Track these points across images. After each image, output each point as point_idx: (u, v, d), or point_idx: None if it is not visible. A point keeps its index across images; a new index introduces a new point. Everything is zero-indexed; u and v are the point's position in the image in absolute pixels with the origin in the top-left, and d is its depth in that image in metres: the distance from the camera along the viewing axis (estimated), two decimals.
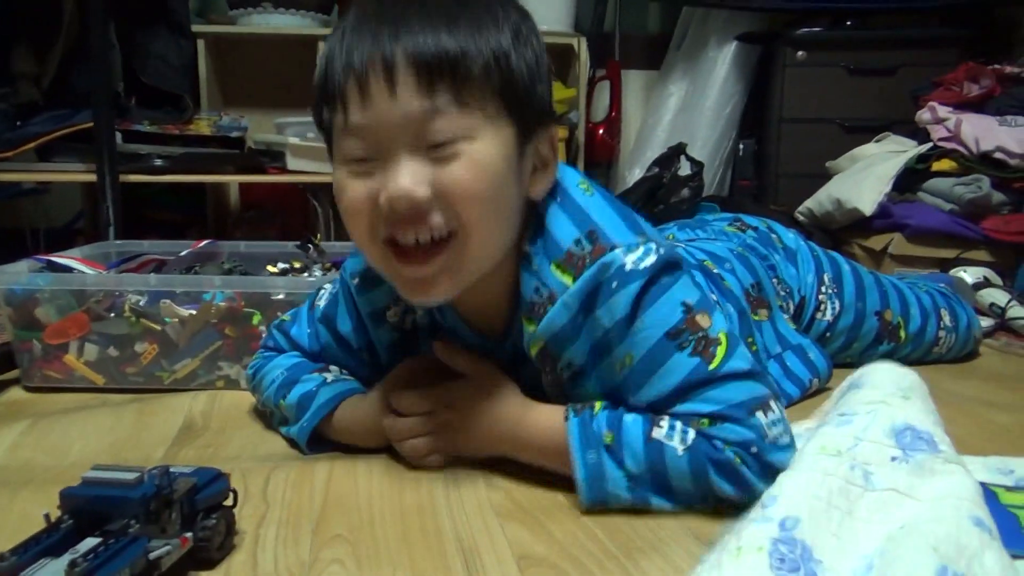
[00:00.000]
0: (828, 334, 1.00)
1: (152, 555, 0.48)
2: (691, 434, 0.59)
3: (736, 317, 0.84)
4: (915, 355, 1.06)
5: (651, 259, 0.61)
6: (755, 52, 2.28)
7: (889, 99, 2.04)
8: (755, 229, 1.02)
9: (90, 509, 0.50)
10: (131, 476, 0.50)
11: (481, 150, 0.58)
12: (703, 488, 0.59)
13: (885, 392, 0.60)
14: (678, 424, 0.60)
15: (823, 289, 0.99)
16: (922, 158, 1.69)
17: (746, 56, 2.28)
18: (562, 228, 0.64)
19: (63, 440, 0.79)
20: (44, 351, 0.93)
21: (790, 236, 1.04)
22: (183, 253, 1.15)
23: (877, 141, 1.89)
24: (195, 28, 2.05)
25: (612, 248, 0.61)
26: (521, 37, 0.61)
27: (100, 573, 0.44)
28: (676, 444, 0.59)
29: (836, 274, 1.01)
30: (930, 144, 1.69)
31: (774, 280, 0.95)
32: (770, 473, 0.56)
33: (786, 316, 0.94)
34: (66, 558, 0.45)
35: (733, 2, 2.25)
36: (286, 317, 0.84)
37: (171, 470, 0.53)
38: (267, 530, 0.58)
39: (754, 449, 0.58)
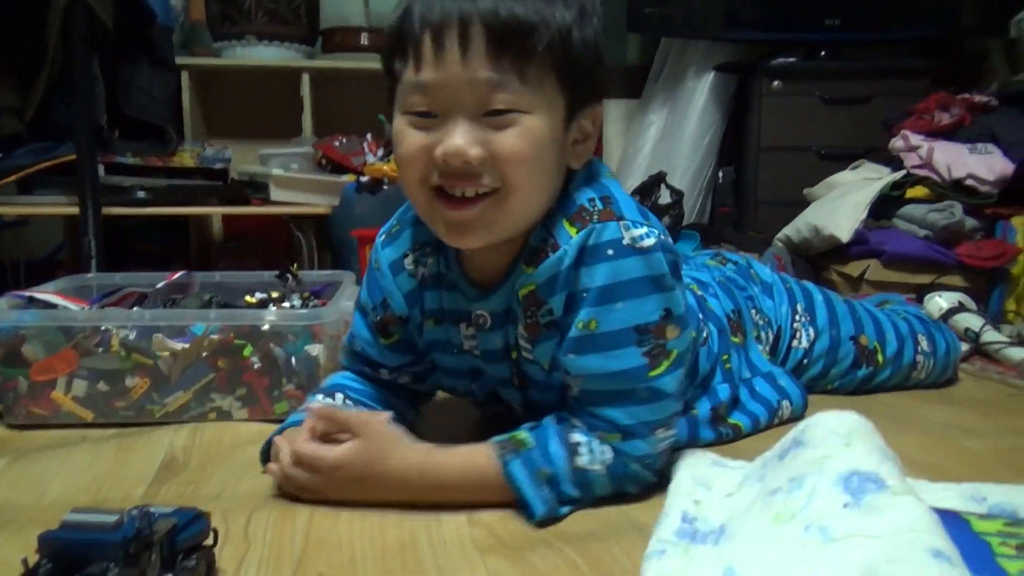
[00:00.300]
0: (805, 361, 1.02)
1: None
2: (607, 453, 0.67)
3: (716, 335, 0.88)
4: (895, 380, 1.07)
5: (650, 241, 0.66)
6: (732, 82, 2.32)
7: (863, 127, 2.09)
8: (735, 263, 1.06)
9: (69, 553, 0.49)
10: (110, 519, 0.50)
11: (534, 122, 0.63)
12: (617, 491, 0.70)
13: (828, 446, 0.62)
14: (594, 444, 0.67)
15: (797, 318, 1.02)
16: (896, 185, 1.73)
17: (724, 86, 2.32)
18: (581, 189, 0.70)
19: (42, 479, 0.78)
20: (30, 388, 0.93)
21: (766, 271, 1.08)
22: (159, 285, 1.15)
23: (852, 168, 1.92)
24: (179, 61, 2.06)
25: (619, 218, 0.66)
26: (586, 15, 0.65)
27: None
28: (597, 468, 0.67)
29: (808, 303, 1.04)
30: (903, 171, 1.72)
31: (753, 311, 0.98)
32: (660, 474, 0.71)
33: (761, 347, 0.96)
34: None
35: (710, 34, 2.29)
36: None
37: (151, 511, 0.53)
38: (248, 570, 0.58)
39: (649, 461, 0.69)
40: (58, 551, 0.50)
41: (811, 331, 1.02)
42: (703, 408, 0.85)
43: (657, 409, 0.69)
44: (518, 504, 0.66)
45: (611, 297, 0.66)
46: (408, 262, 0.78)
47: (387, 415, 0.70)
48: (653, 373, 0.68)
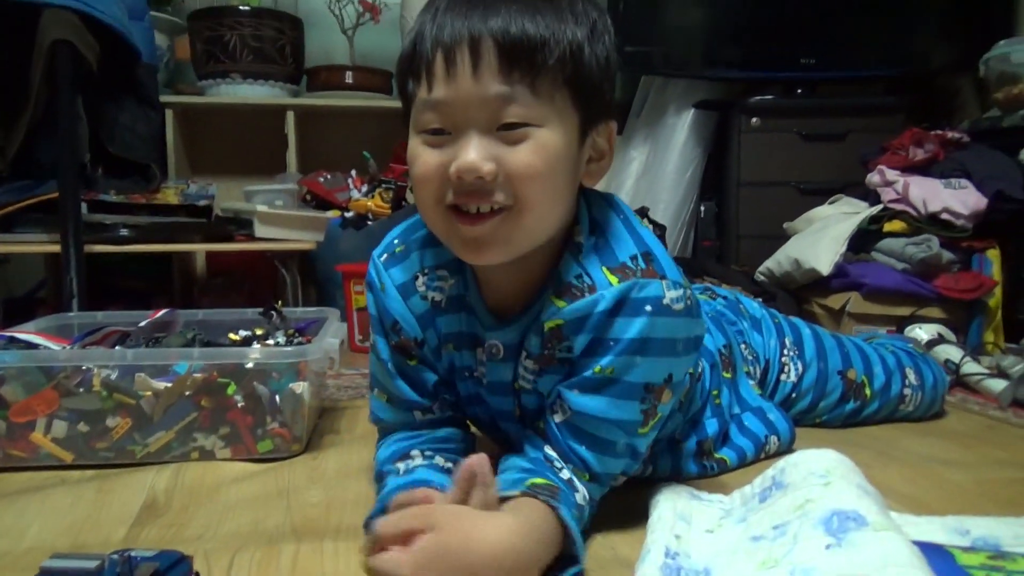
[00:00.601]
0: (794, 394, 1.03)
1: None
2: (586, 492, 0.68)
3: (708, 370, 0.89)
4: (883, 413, 1.09)
5: (682, 305, 0.67)
6: (712, 118, 2.37)
7: (841, 163, 2.13)
8: (724, 298, 1.07)
9: None
10: (91, 564, 0.49)
11: (547, 137, 0.63)
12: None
13: (808, 488, 0.63)
14: (576, 481, 0.68)
15: (785, 352, 1.03)
16: (874, 219, 1.76)
17: (704, 122, 2.37)
18: (623, 243, 0.69)
19: (19, 523, 0.77)
20: (9, 430, 0.91)
21: (755, 306, 1.09)
22: (142, 323, 1.14)
23: (831, 203, 1.96)
24: (164, 99, 2.08)
25: (662, 277, 0.67)
26: (596, 33, 0.65)
27: None
28: (584, 505, 0.67)
29: (797, 338, 1.05)
30: (881, 206, 1.76)
31: (742, 345, 0.99)
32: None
33: (752, 382, 0.97)
34: None
35: (689, 72, 2.34)
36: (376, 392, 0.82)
37: (132, 555, 0.52)
38: None
39: (599, 498, 0.71)
40: None
41: (799, 365, 1.03)
42: (690, 442, 0.86)
43: (624, 464, 0.71)
44: (563, 557, 0.62)
45: (637, 351, 0.66)
46: (419, 284, 0.76)
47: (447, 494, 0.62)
48: (642, 431, 0.69)
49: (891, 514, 0.62)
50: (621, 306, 0.66)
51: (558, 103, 0.63)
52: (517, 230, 0.65)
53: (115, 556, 0.51)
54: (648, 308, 0.65)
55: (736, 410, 0.93)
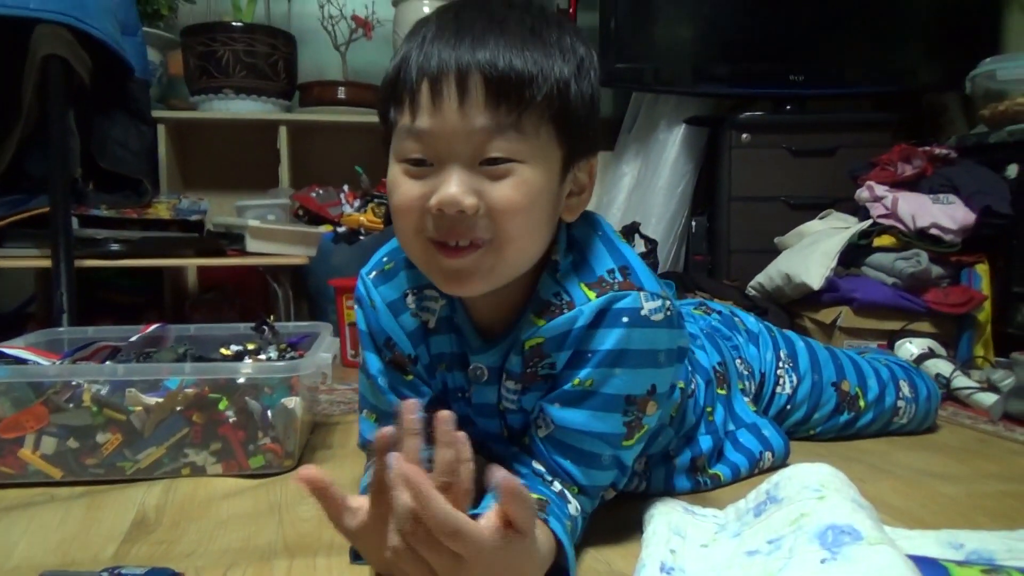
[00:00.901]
0: (789, 406, 1.04)
1: None
2: (577, 504, 0.68)
3: (703, 387, 0.90)
4: (876, 425, 1.09)
5: (660, 316, 0.67)
6: (703, 134, 2.38)
7: (830, 178, 2.14)
8: (719, 313, 1.08)
9: None
10: None
11: (529, 173, 0.62)
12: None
13: (802, 502, 0.63)
14: (568, 495, 0.68)
15: (780, 364, 1.04)
16: (864, 234, 1.77)
17: (695, 138, 2.38)
18: (600, 258, 0.70)
19: (6, 540, 0.76)
20: None
21: (751, 320, 1.09)
22: (133, 338, 1.14)
23: (821, 218, 1.97)
24: (156, 114, 2.07)
25: (639, 288, 0.67)
26: (583, 70, 0.65)
27: None
28: (577, 516, 0.68)
29: (791, 350, 1.06)
30: (870, 221, 1.77)
31: (737, 360, 1.00)
32: None
33: (747, 398, 0.98)
34: None
35: (679, 88, 2.36)
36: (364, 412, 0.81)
37: (122, 572, 0.52)
38: None
39: (591, 511, 0.71)
40: None
41: (794, 377, 1.04)
42: (683, 458, 0.86)
43: (611, 476, 0.71)
44: (556, 568, 0.61)
45: (614, 363, 0.66)
46: (409, 302, 0.76)
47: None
48: (626, 443, 0.69)
49: (885, 528, 0.62)
50: (599, 318, 0.66)
51: (543, 139, 0.63)
52: (499, 263, 0.65)
53: (105, 573, 0.51)
54: (625, 319, 0.66)
55: (730, 427, 0.93)
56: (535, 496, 0.65)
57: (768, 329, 1.08)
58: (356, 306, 0.80)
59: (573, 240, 0.71)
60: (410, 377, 0.77)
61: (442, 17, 0.64)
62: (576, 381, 0.67)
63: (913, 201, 1.71)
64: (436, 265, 0.65)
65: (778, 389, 1.03)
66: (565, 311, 0.68)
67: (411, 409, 0.56)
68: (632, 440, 0.69)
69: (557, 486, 0.68)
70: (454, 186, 0.61)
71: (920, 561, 0.58)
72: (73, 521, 0.81)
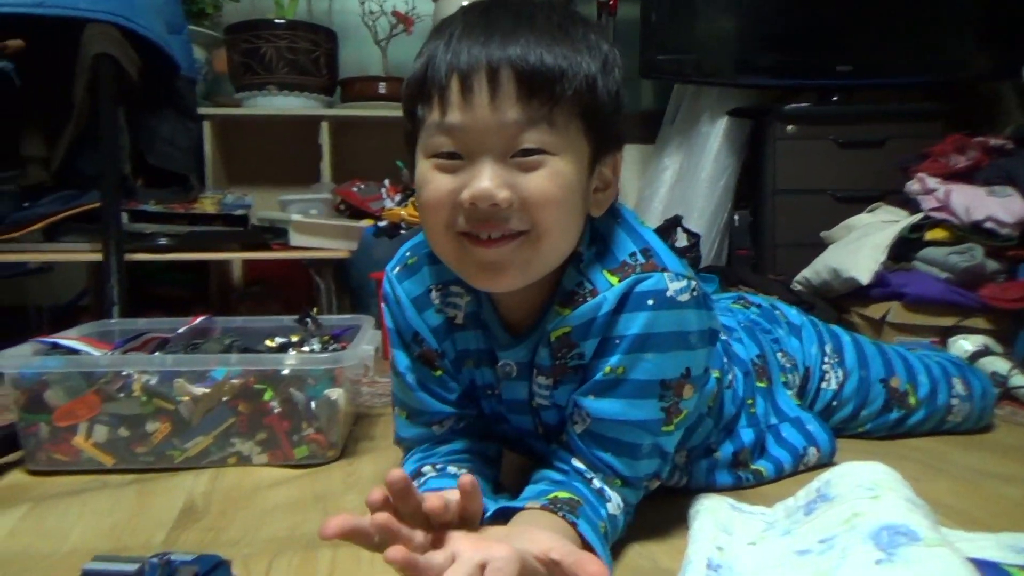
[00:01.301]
0: (835, 402, 1.01)
1: None
2: (618, 498, 0.68)
3: (742, 378, 0.88)
4: (930, 423, 1.06)
5: (686, 296, 0.66)
6: (746, 126, 2.34)
7: (879, 170, 2.09)
8: (759, 306, 1.06)
9: None
10: (131, 568, 0.50)
11: (561, 165, 0.63)
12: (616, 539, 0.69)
13: (855, 501, 0.62)
14: (607, 491, 0.67)
15: (826, 359, 1.01)
16: (915, 227, 1.72)
17: (738, 130, 2.34)
18: (621, 243, 0.70)
19: (62, 525, 0.78)
20: (52, 433, 0.93)
21: (793, 312, 1.07)
22: (180, 330, 1.16)
23: (870, 211, 1.92)
24: (202, 110, 2.11)
25: (663, 269, 0.67)
26: (608, 66, 0.66)
27: None
28: (618, 513, 0.67)
29: (837, 345, 1.03)
30: (922, 214, 1.72)
31: (779, 354, 0.97)
32: None
33: (790, 391, 0.95)
34: None
35: (722, 80, 2.32)
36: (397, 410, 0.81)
37: (172, 558, 0.53)
38: None
39: (636, 503, 0.71)
40: None
41: (840, 372, 1.01)
42: (725, 451, 0.84)
43: (654, 464, 0.70)
44: None
45: (643, 347, 0.65)
46: (434, 297, 0.76)
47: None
48: (666, 428, 0.68)
49: (942, 529, 0.60)
50: (624, 303, 0.66)
51: (572, 134, 0.63)
52: (535, 256, 0.64)
53: (155, 560, 0.52)
54: (650, 302, 0.65)
55: (773, 420, 0.91)
56: (567, 495, 0.64)
57: (812, 323, 1.05)
58: (383, 304, 0.80)
59: (595, 231, 0.71)
60: (439, 373, 0.77)
61: (469, 15, 0.64)
62: (607, 369, 0.66)
63: (967, 193, 1.65)
64: (470, 258, 0.64)
65: (823, 384, 1.01)
66: (589, 299, 0.67)
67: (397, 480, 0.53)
68: (671, 426, 0.68)
69: (597, 483, 0.67)
70: (487, 180, 0.60)
71: (981, 564, 0.55)
72: (124, 507, 0.82)
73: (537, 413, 0.76)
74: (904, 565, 0.52)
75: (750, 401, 0.88)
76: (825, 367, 1.01)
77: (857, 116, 2.17)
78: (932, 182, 1.72)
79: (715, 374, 0.81)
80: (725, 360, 0.86)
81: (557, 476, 0.69)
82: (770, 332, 1.00)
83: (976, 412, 1.08)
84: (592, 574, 0.52)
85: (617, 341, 0.66)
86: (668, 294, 0.65)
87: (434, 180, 0.63)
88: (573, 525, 0.61)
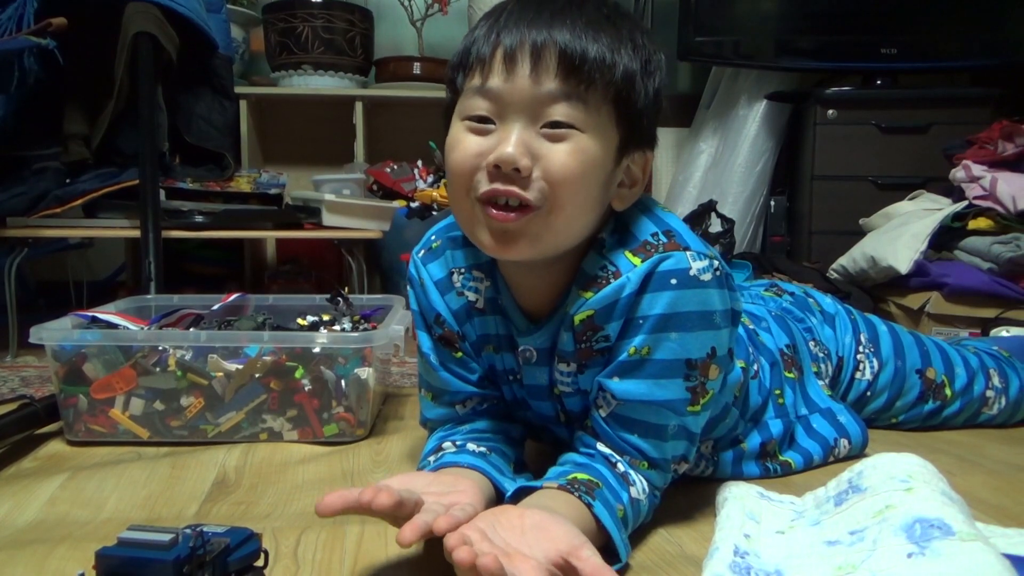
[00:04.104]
0: (869, 393, 1.00)
1: None
2: (644, 482, 0.68)
3: (768, 369, 0.87)
4: (964, 415, 1.04)
5: (709, 275, 0.66)
6: (785, 110, 2.30)
7: (922, 157, 2.04)
8: (791, 295, 1.04)
9: (124, 570, 0.50)
10: (165, 538, 0.51)
11: (587, 143, 0.63)
12: (643, 522, 0.69)
13: (887, 494, 0.60)
14: (632, 474, 0.67)
15: (860, 349, 1.00)
16: (958, 216, 1.68)
17: (776, 114, 2.30)
18: (642, 226, 0.69)
19: (99, 494, 0.80)
20: (90, 405, 0.95)
21: (827, 301, 1.05)
22: (215, 307, 1.17)
23: (911, 199, 1.88)
24: (238, 90, 2.13)
25: (685, 248, 0.66)
26: (649, 68, 0.66)
27: None
28: (642, 497, 0.67)
29: (872, 334, 1.01)
30: (965, 202, 1.67)
31: (811, 343, 0.96)
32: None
33: (822, 382, 0.94)
34: None
35: (761, 63, 2.28)
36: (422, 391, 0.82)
37: (204, 530, 0.54)
38: None
39: (664, 486, 0.71)
40: (114, 568, 0.51)
41: (875, 362, 0.99)
42: (752, 442, 0.84)
43: (681, 446, 0.70)
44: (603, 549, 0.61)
45: (667, 327, 0.65)
46: (456, 280, 0.77)
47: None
48: (692, 408, 0.68)
49: (977, 524, 0.59)
50: (647, 283, 0.66)
51: (603, 117, 0.64)
52: (546, 230, 0.65)
53: (188, 531, 0.52)
54: (673, 281, 0.65)
55: (803, 411, 0.90)
56: (585, 476, 0.64)
57: (847, 311, 1.03)
58: (408, 287, 0.80)
59: (619, 220, 0.71)
60: (459, 354, 0.77)
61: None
62: (632, 350, 0.66)
63: (1015, 182, 1.60)
64: (485, 224, 0.65)
65: (857, 375, 0.99)
66: (611, 280, 0.67)
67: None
68: (698, 406, 0.68)
69: (621, 467, 0.67)
70: (512, 145, 0.62)
71: (1017, 561, 0.54)
72: (159, 479, 0.84)
73: (559, 400, 0.75)
74: (936, 559, 0.51)
75: (778, 391, 0.87)
76: (859, 357, 0.99)
77: (901, 101, 2.12)
78: (978, 170, 1.67)
79: (740, 364, 0.80)
80: (751, 349, 0.85)
81: (581, 459, 0.69)
82: (803, 321, 0.98)
83: (1011, 404, 1.06)
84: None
85: (641, 321, 0.66)
86: (691, 273, 0.65)
87: (464, 140, 0.65)
88: (589, 507, 0.61)
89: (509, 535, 0.56)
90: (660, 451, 0.68)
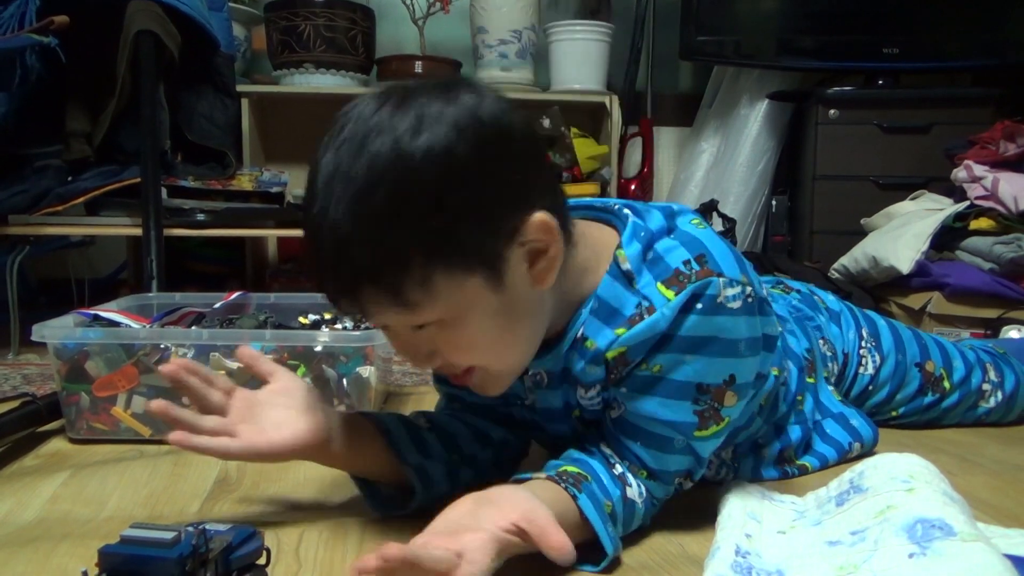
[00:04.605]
0: (871, 387, 1.00)
1: None
2: (642, 487, 0.67)
3: (796, 374, 0.86)
4: (962, 408, 1.04)
5: (738, 303, 0.64)
6: (787, 110, 2.30)
7: (924, 157, 2.04)
8: (798, 292, 1.03)
9: (127, 568, 0.50)
10: (168, 535, 0.51)
11: (457, 328, 0.60)
12: (640, 527, 0.68)
13: (888, 494, 0.60)
14: (630, 477, 0.67)
15: (863, 344, 1.00)
16: (959, 216, 1.68)
17: (778, 113, 2.30)
18: (674, 252, 0.65)
19: (101, 492, 0.80)
20: (92, 403, 0.95)
21: (831, 298, 1.05)
22: (216, 305, 1.18)
23: (913, 199, 1.88)
24: (240, 88, 2.13)
25: (718, 274, 0.64)
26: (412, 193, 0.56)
27: None
28: (637, 500, 0.66)
29: (873, 329, 1.02)
30: (967, 203, 1.67)
31: (821, 341, 0.95)
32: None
33: (831, 387, 0.94)
34: None
35: (763, 62, 2.28)
36: None
37: (207, 528, 0.54)
38: None
39: (663, 501, 0.70)
40: (117, 565, 0.50)
41: (877, 356, 1.00)
42: (773, 448, 0.83)
43: (686, 462, 0.68)
44: (586, 545, 0.62)
45: (686, 350, 0.63)
46: None
47: None
48: (699, 433, 0.66)
49: (979, 525, 0.59)
50: (679, 310, 0.63)
51: (437, 288, 0.57)
52: (503, 372, 0.66)
53: (191, 529, 0.52)
54: (699, 306, 0.63)
55: (817, 417, 0.89)
56: (576, 470, 0.65)
57: (849, 308, 1.04)
58: None
59: (645, 238, 0.66)
60: None
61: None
62: (643, 367, 0.65)
63: (1016, 182, 1.60)
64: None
65: (860, 370, 0.99)
66: (645, 316, 0.64)
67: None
68: (706, 431, 0.66)
69: (619, 469, 0.67)
70: (411, 357, 0.64)
71: (1018, 561, 0.54)
72: (160, 477, 0.84)
73: (578, 420, 0.74)
74: (938, 559, 0.51)
75: (800, 398, 0.86)
76: (862, 352, 1.00)
77: (903, 100, 2.12)
78: (979, 170, 1.67)
79: (774, 371, 0.78)
80: (782, 355, 0.82)
81: (578, 455, 0.68)
82: (812, 319, 0.98)
83: (1005, 401, 1.06)
84: (552, 546, 0.55)
85: (662, 343, 0.64)
86: (718, 300, 0.63)
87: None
88: (574, 498, 0.61)
89: (462, 517, 0.57)
90: (660, 463, 0.67)
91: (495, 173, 0.59)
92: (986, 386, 1.04)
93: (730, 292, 0.64)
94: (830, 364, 0.96)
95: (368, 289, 0.58)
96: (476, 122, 0.58)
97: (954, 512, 0.56)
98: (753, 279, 0.67)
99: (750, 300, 0.65)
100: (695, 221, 0.69)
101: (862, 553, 0.56)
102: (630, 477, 0.67)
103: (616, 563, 0.63)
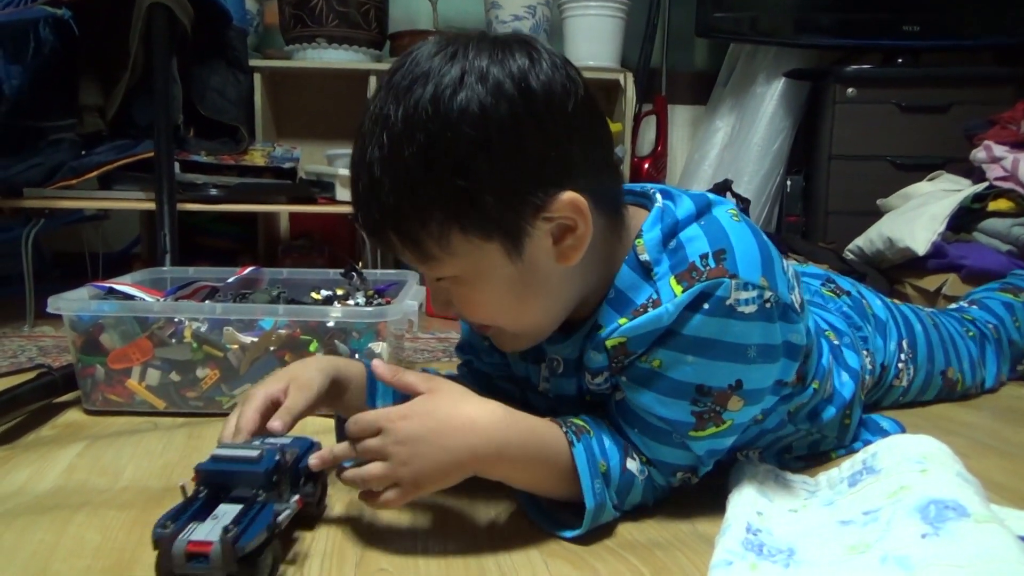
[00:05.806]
0: (902, 398, 1.02)
1: (279, 517, 0.56)
2: (644, 467, 0.67)
3: (852, 387, 0.82)
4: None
5: (751, 308, 0.61)
6: (804, 88, 2.27)
7: (942, 137, 2.01)
8: (848, 294, 0.99)
9: (221, 480, 0.57)
10: (253, 452, 0.58)
11: (472, 287, 0.62)
12: (643, 504, 0.68)
13: (902, 475, 0.60)
14: (635, 455, 0.67)
15: (902, 357, 0.99)
16: (978, 197, 1.66)
17: (795, 92, 2.27)
18: (696, 242, 0.63)
19: (116, 462, 0.81)
20: (107, 375, 0.96)
21: (879, 304, 1.01)
22: (230, 279, 1.18)
23: (930, 179, 1.85)
24: (252, 63, 2.12)
25: (732, 276, 0.61)
26: (428, 159, 0.57)
27: (247, 535, 0.52)
28: (637, 474, 0.66)
29: (912, 340, 1.00)
30: (986, 183, 1.65)
31: (864, 352, 0.92)
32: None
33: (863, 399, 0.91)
34: (212, 524, 0.52)
35: (780, 39, 2.25)
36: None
37: (279, 443, 0.61)
38: (311, 562, 0.59)
39: (664, 486, 0.69)
40: (211, 479, 0.58)
41: (912, 369, 1.00)
42: (800, 451, 0.81)
43: (683, 457, 0.66)
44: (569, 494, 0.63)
45: (686, 348, 0.62)
46: None
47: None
48: (695, 433, 0.64)
49: (992, 506, 0.58)
50: (683, 308, 0.61)
51: (455, 246, 0.59)
52: (521, 334, 0.67)
53: (269, 445, 0.60)
54: (706, 306, 0.61)
55: (866, 435, 0.86)
56: (582, 423, 0.65)
57: (893, 316, 1.00)
58: None
59: (669, 223, 0.65)
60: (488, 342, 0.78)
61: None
62: (643, 359, 0.64)
63: None
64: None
65: (896, 382, 0.99)
66: (651, 308, 0.62)
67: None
68: (703, 432, 0.64)
69: (624, 443, 0.67)
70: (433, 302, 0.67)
71: None
72: (175, 449, 0.85)
73: (590, 406, 0.73)
74: (951, 540, 0.51)
75: (848, 411, 0.82)
76: (900, 365, 0.99)
77: (922, 79, 2.09)
78: (999, 150, 1.65)
79: (814, 385, 0.75)
80: (832, 368, 0.79)
81: (591, 418, 0.67)
82: (860, 329, 0.94)
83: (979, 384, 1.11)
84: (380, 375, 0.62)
85: (664, 338, 0.63)
86: (728, 302, 0.60)
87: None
88: (571, 444, 0.62)
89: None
90: (656, 453, 0.66)
91: (530, 145, 0.57)
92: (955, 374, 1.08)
93: (743, 296, 0.61)
94: (868, 377, 0.92)
95: (392, 234, 0.60)
96: (521, 88, 0.57)
97: (968, 494, 0.56)
98: (779, 283, 0.64)
99: (768, 306, 0.62)
100: (731, 211, 0.66)
101: (874, 533, 0.56)
102: (634, 454, 0.66)
103: (599, 511, 0.62)
